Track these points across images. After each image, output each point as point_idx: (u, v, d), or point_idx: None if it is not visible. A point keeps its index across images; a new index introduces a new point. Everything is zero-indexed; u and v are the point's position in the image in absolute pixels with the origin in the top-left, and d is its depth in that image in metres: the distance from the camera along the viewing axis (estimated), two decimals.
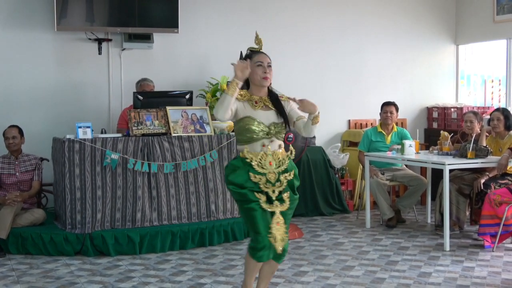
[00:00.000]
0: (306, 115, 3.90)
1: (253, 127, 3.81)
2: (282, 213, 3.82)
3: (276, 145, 3.88)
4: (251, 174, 3.78)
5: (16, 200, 5.72)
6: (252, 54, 3.91)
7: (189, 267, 5.22)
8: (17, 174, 5.99)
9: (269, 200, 3.80)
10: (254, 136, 3.82)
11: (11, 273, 5.08)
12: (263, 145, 3.83)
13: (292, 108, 3.97)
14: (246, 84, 3.94)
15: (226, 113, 3.73)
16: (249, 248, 3.86)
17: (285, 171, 3.87)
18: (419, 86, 8.70)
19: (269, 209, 3.79)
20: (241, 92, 3.84)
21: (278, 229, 3.78)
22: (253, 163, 3.79)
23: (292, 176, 3.89)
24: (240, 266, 5.23)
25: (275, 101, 3.92)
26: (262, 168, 3.80)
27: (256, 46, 3.98)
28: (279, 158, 3.85)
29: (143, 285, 4.73)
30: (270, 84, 3.96)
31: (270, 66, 3.89)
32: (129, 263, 5.38)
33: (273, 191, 3.81)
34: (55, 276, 5.00)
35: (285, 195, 3.84)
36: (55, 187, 6.09)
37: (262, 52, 3.93)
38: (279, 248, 3.78)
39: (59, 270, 5.17)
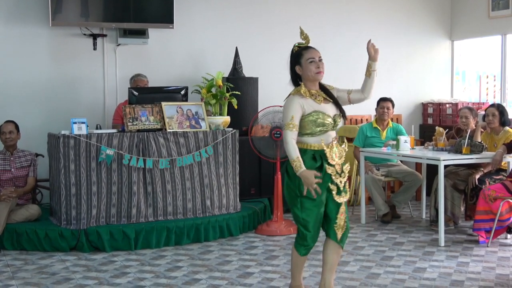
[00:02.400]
0: (353, 87, 4.14)
1: (324, 121, 3.92)
2: (344, 203, 4.01)
3: (335, 137, 4.02)
4: (326, 166, 3.90)
5: (11, 196, 5.71)
6: (301, 51, 3.99)
7: (185, 263, 5.22)
8: (13, 170, 5.98)
9: (339, 192, 3.96)
10: (325, 129, 3.93)
11: (6, 269, 5.07)
12: (334, 138, 3.97)
13: (339, 90, 4.12)
14: (296, 83, 4.05)
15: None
16: (295, 242, 4.02)
17: (345, 162, 4.02)
18: (414, 81, 8.71)
19: (339, 201, 3.95)
20: (302, 90, 3.95)
21: (341, 219, 3.98)
22: (327, 155, 3.91)
23: (350, 167, 4.05)
24: (235, 262, 5.23)
25: (329, 94, 4.04)
26: (332, 159, 3.94)
27: (303, 42, 4.06)
28: (340, 150, 3.99)
29: (139, 281, 4.73)
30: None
31: (321, 60, 4.00)
32: (125, 259, 5.38)
33: (341, 182, 3.96)
34: (50, 272, 4.99)
35: (347, 185, 4.03)
36: (51, 182, 6.08)
37: (311, 47, 4.02)
38: (339, 236, 3.98)
39: (54, 266, 5.17)
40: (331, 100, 4.01)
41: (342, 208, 3.98)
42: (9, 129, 6.01)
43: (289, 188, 3.97)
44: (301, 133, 3.94)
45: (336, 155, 3.95)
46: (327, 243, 4.08)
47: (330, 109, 3.98)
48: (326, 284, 4.11)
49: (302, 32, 4.10)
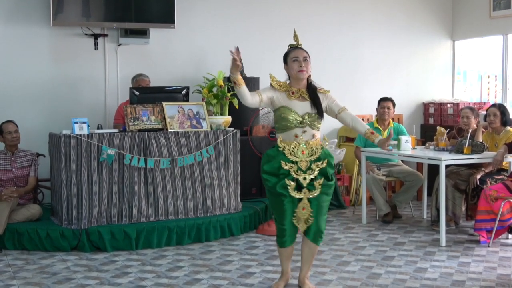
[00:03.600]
0: (345, 108, 4.31)
1: (288, 116, 4.14)
2: (315, 199, 4.16)
3: (310, 135, 4.18)
4: (282, 162, 4.11)
5: (12, 196, 5.71)
6: (289, 51, 4.28)
7: (186, 263, 5.22)
8: (14, 170, 5.98)
9: (298, 188, 4.13)
10: (288, 124, 4.14)
11: (7, 269, 5.07)
12: (296, 135, 4.14)
13: (334, 101, 4.29)
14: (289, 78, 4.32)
15: (247, 101, 4.14)
16: (276, 237, 4.33)
17: (318, 159, 4.18)
18: (416, 81, 8.70)
19: (297, 196, 4.14)
20: (280, 83, 4.24)
21: (304, 213, 4.16)
22: (285, 152, 4.13)
23: (325, 164, 4.19)
24: (236, 262, 5.24)
25: (312, 93, 4.22)
26: (295, 156, 4.13)
27: (295, 43, 4.34)
28: (311, 147, 4.16)
29: (140, 281, 4.73)
30: (310, 76, 4.27)
31: (306, 60, 4.21)
32: (126, 258, 5.38)
33: (304, 178, 4.13)
34: (51, 271, 5.00)
35: (317, 183, 4.16)
36: (52, 182, 6.08)
37: (299, 48, 4.28)
38: (302, 229, 4.19)
39: (56, 265, 5.17)
40: (309, 100, 4.19)
41: (304, 204, 4.14)
42: (14, 128, 6.02)
43: (266, 187, 4.27)
44: (276, 129, 4.22)
45: (304, 152, 4.13)
46: (302, 237, 4.34)
47: (301, 107, 4.17)
48: (300, 277, 4.42)
49: (294, 34, 4.39)
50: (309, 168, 4.15)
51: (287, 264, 4.43)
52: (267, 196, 4.33)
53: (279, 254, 4.44)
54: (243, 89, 4.12)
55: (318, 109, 4.19)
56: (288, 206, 4.17)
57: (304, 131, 4.16)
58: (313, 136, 4.20)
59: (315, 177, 4.17)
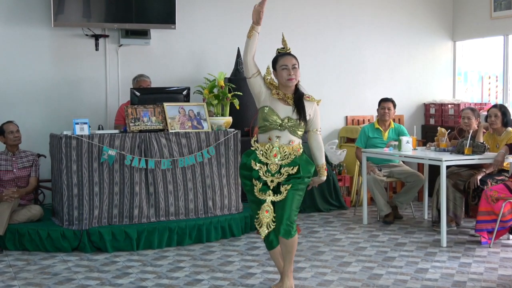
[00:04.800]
0: (318, 130, 4.30)
1: (269, 117, 4.12)
2: (283, 201, 4.12)
3: (287, 140, 4.14)
4: (252, 161, 4.12)
5: (13, 196, 5.71)
6: (278, 57, 4.23)
7: (187, 263, 5.22)
8: (15, 170, 5.98)
9: (263, 189, 4.12)
10: (268, 124, 4.12)
11: (8, 270, 5.07)
12: (269, 138, 4.13)
13: (316, 116, 4.25)
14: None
15: (246, 55, 4.16)
16: (263, 241, 4.36)
17: (289, 165, 4.12)
18: (416, 82, 8.70)
19: (259, 197, 4.12)
20: (273, 82, 4.23)
21: (266, 216, 4.11)
22: (257, 152, 4.13)
23: (295, 171, 4.13)
24: (237, 262, 5.24)
25: (297, 99, 4.17)
26: (266, 158, 4.11)
27: (282, 48, 4.31)
28: (285, 152, 4.11)
29: (140, 281, 4.73)
30: (299, 82, 4.23)
31: (295, 67, 4.16)
32: (126, 259, 5.38)
33: (272, 181, 4.10)
34: (52, 272, 5.00)
35: (283, 188, 4.12)
36: (53, 183, 6.08)
37: (288, 54, 4.23)
38: (263, 234, 4.14)
39: (56, 266, 5.17)
40: (292, 107, 4.15)
41: (267, 206, 4.11)
42: (15, 128, 6.03)
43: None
44: (259, 128, 4.21)
45: (276, 155, 4.10)
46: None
47: (284, 110, 4.14)
48: (281, 274, 4.37)
49: (283, 39, 4.34)
50: (278, 171, 4.12)
51: (280, 264, 4.39)
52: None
53: (271, 256, 4.46)
54: (250, 41, 4.17)
55: (301, 114, 4.14)
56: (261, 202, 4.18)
57: (280, 135, 4.12)
58: (290, 141, 4.14)
59: (283, 182, 4.12)
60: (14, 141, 6.01)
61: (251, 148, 4.21)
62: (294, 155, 4.14)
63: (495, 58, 8.32)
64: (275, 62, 4.23)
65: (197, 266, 5.15)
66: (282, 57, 4.21)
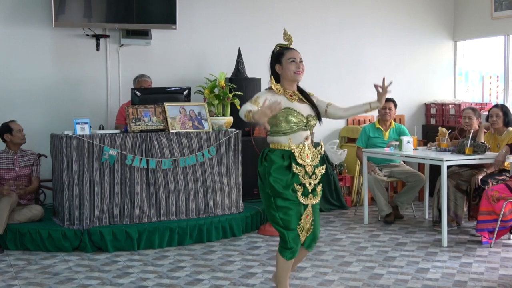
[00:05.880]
0: (331, 101, 4.09)
1: (293, 118, 3.89)
2: (315, 206, 3.98)
3: (310, 139, 3.99)
4: (293, 165, 3.86)
5: (10, 189, 5.71)
6: (283, 51, 4.00)
7: (187, 263, 5.22)
8: (16, 169, 5.99)
9: (305, 193, 3.91)
10: (294, 127, 3.90)
11: (9, 269, 5.08)
12: (306, 138, 3.94)
13: (318, 100, 4.08)
14: (277, 79, 4.02)
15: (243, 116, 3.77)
16: (279, 247, 3.92)
17: (318, 165, 3.98)
18: (417, 82, 8.70)
19: (304, 202, 3.90)
20: (276, 86, 3.96)
21: (307, 221, 3.94)
22: (296, 154, 3.87)
23: (324, 170, 4.02)
24: (238, 262, 5.23)
25: (306, 95, 4.03)
26: (302, 160, 3.89)
27: (285, 43, 4.09)
28: (313, 152, 3.97)
29: (141, 281, 4.73)
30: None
31: (302, 61, 4.00)
32: (127, 259, 5.38)
33: (310, 184, 3.92)
34: (53, 272, 5.00)
35: (319, 188, 3.98)
36: (54, 183, 6.09)
37: (293, 48, 4.04)
38: (303, 239, 3.93)
39: (57, 266, 5.17)
40: (307, 102, 4.00)
41: (308, 211, 3.93)
42: (21, 127, 6.04)
43: (262, 190, 3.95)
44: (271, 132, 3.94)
45: (308, 156, 3.92)
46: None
47: (304, 108, 3.97)
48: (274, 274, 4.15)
49: (285, 33, 4.13)
50: (313, 173, 3.94)
51: (287, 278, 4.06)
52: (268, 203, 3.92)
53: (282, 269, 3.98)
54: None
55: (317, 112, 4.00)
56: (296, 212, 3.89)
57: (306, 135, 3.95)
58: (312, 141, 4.00)
59: (317, 182, 3.97)
60: (22, 140, 6.03)
61: (277, 151, 3.90)
62: (319, 153, 4.01)
63: (496, 58, 8.31)
64: (280, 55, 3.97)
65: (197, 265, 5.15)
66: (288, 50, 4.01)
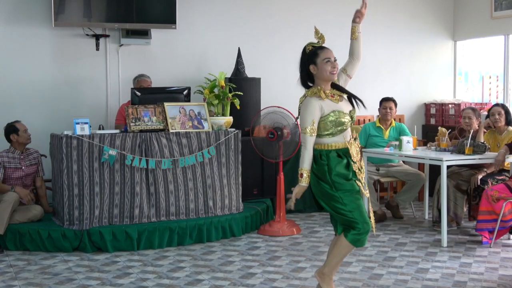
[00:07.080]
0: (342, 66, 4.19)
1: (343, 120, 3.89)
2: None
3: (353, 135, 4.03)
4: (351, 163, 3.90)
5: (32, 199, 5.92)
6: (317, 51, 3.96)
7: (187, 263, 5.22)
8: (23, 168, 5.99)
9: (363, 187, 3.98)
10: (344, 127, 3.91)
11: (9, 270, 5.08)
12: (354, 136, 3.98)
13: (339, 77, 4.12)
14: (306, 83, 4.00)
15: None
16: (351, 237, 3.86)
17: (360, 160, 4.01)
18: (417, 82, 8.70)
19: (366, 195, 3.98)
20: (319, 92, 3.90)
21: (371, 211, 4.04)
22: (352, 152, 3.90)
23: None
24: (237, 262, 5.23)
25: (340, 88, 4.03)
26: (354, 156, 3.93)
27: (316, 42, 4.06)
28: (357, 148, 3.98)
29: (141, 281, 4.73)
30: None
31: (336, 60, 4.00)
32: (127, 259, 5.38)
33: (363, 178, 3.96)
34: (53, 272, 5.00)
35: (361, 184, 3.98)
36: (53, 183, 6.09)
37: (326, 47, 4.03)
38: (374, 227, 3.99)
39: (57, 266, 5.17)
40: (344, 97, 4.01)
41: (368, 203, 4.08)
42: (26, 127, 6.05)
43: (321, 187, 3.88)
44: (320, 135, 3.90)
45: (356, 152, 3.95)
46: (338, 239, 3.99)
47: (345, 106, 3.97)
48: (319, 269, 4.10)
49: (317, 32, 4.10)
50: (362, 167, 3.97)
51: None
52: (331, 199, 3.87)
53: (343, 254, 3.98)
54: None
55: (357, 98, 4.03)
56: (361, 201, 3.92)
57: (349, 133, 3.98)
58: (354, 135, 4.04)
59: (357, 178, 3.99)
60: (28, 140, 6.04)
61: (333, 151, 3.89)
62: (359, 147, 4.03)
63: (496, 58, 8.31)
64: (314, 55, 3.93)
65: (197, 266, 5.15)
66: (322, 50, 3.98)
